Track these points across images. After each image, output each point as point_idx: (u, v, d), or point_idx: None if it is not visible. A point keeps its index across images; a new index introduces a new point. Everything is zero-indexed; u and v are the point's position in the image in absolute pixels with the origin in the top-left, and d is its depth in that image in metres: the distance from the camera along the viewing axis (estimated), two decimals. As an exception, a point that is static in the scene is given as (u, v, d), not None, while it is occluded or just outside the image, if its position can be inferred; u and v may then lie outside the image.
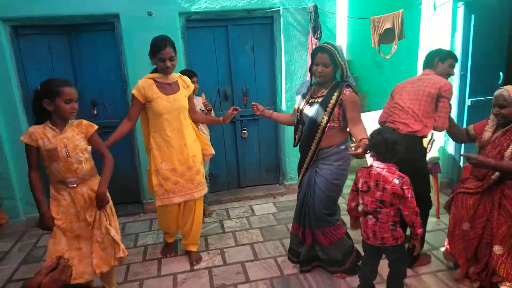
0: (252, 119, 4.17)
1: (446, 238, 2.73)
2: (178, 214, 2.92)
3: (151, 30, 3.53)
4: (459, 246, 2.60)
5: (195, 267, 2.95)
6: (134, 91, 2.64)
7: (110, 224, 2.39)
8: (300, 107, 2.67)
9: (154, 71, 2.73)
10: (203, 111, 3.48)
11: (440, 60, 2.77)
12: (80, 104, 3.66)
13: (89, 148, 2.34)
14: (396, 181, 2.06)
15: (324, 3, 3.83)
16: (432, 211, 3.49)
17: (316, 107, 2.53)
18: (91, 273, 2.35)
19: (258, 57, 4.04)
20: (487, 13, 3.64)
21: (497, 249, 2.38)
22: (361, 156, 2.23)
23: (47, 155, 2.20)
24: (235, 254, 3.10)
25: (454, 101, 3.84)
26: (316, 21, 3.77)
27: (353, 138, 2.54)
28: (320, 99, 2.53)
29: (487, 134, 2.49)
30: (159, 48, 2.55)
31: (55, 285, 1.19)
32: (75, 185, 2.28)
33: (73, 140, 2.25)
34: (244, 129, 4.18)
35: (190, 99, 2.83)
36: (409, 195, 2.05)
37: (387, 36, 3.90)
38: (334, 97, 2.46)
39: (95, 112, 3.85)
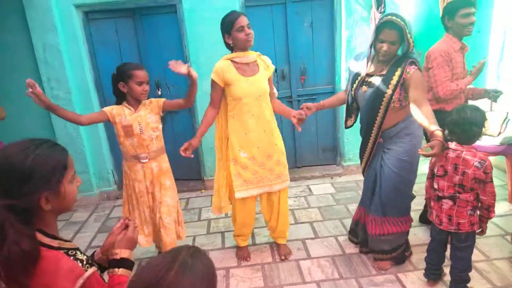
0: (309, 98, 4.11)
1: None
2: (262, 208, 2.75)
3: (211, 11, 3.61)
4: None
5: (257, 242, 3.04)
6: (213, 75, 2.44)
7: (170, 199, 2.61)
8: (354, 87, 2.41)
9: (232, 51, 2.49)
10: None
11: (449, 17, 2.56)
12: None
13: (160, 126, 2.54)
14: (478, 164, 1.94)
15: (388, -26, 3.64)
16: (504, 194, 3.30)
17: (374, 87, 2.28)
18: (149, 242, 2.67)
19: (317, 34, 3.95)
20: None
21: None
22: (437, 154, 1.95)
23: (124, 131, 2.42)
24: (295, 231, 3.13)
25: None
26: (379, -6, 3.59)
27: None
28: (378, 78, 2.28)
29: None
30: (233, 18, 2.35)
31: (130, 244, 1.24)
32: (146, 160, 2.48)
33: (146, 118, 2.45)
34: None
35: (269, 81, 2.57)
36: (490, 179, 1.94)
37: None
38: (395, 77, 2.20)
39: (159, 92, 4.01)
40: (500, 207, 3.12)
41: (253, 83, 2.44)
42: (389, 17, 2.13)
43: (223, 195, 2.68)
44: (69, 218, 3.72)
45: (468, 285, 2.20)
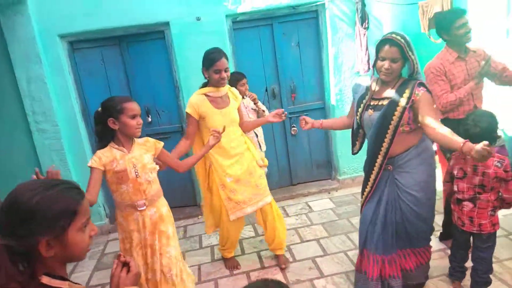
0: (301, 115, 4.13)
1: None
2: (258, 222, 2.94)
3: (200, 35, 3.62)
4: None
5: (266, 265, 2.96)
6: (188, 110, 2.60)
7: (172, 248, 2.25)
8: (359, 111, 2.28)
9: (204, 85, 2.68)
10: (255, 110, 3.47)
11: (444, 31, 2.60)
12: None
13: (157, 167, 2.21)
14: (498, 164, 2.01)
15: (369, -8, 3.78)
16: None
17: (381, 111, 2.14)
18: None
19: (304, 52, 4.02)
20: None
21: None
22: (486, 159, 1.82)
23: (116, 178, 2.07)
24: (303, 250, 3.08)
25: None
26: (363, 11, 3.72)
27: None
28: (385, 101, 2.15)
29: None
30: (214, 59, 2.50)
31: (136, 280, 1.14)
32: (144, 207, 2.13)
33: (141, 159, 2.11)
34: (294, 126, 4.17)
35: (239, 110, 2.78)
36: (511, 177, 2.00)
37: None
38: (404, 99, 2.08)
39: (149, 119, 3.94)
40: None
41: (226, 115, 2.63)
42: (388, 35, 2.11)
43: (216, 214, 2.85)
44: (61, 257, 3.51)
45: (488, 288, 2.22)
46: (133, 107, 2.07)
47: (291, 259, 2.98)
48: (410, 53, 2.06)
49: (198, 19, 3.61)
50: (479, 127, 2.02)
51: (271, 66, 4.00)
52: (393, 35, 2.08)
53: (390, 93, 2.15)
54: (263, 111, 3.44)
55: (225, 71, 2.56)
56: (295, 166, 4.32)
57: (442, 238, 2.94)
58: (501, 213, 3.07)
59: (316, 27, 3.95)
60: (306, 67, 4.07)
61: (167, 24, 3.61)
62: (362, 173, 4.14)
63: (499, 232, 2.84)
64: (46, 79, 3.44)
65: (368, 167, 2.31)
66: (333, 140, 4.19)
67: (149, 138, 2.25)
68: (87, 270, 3.25)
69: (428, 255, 2.37)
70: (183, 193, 4.12)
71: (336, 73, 3.95)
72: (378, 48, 2.13)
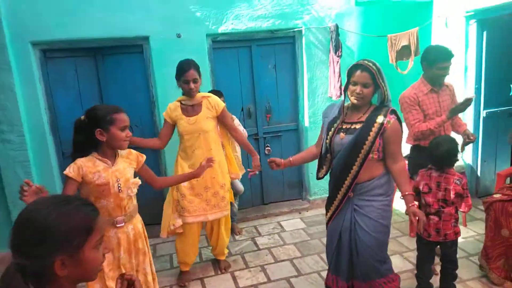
0: (275, 135, 4.23)
1: (484, 243, 2.81)
2: (198, 238, 3.01)
3: (180, 52, 3.61)
4: (498, 250, 2.69)
5: (241, 285, 2.94)
6: (164, 113, 2.87)
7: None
8: (330, 134, 2.25)
9: (183, 94, 2.87)
10: None
11: (427, 65, 2.77)
12: None
13: (139, 182, 2.13)
14: (457, 181, 2.31)
15: (343, 23, 3.99)
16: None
17: (353, 135, 2.15)
18: None
19: (280, 75, 4.14)
20: (498, 29, 3.87)
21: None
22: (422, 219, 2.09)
23: (97, 191, 1.95)
24: (277, 271, 3.10)
25: (470, 113, 4.02)
26: (337, 40, 3.91)
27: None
28: (357, 125, 2.16)
29: None
30: (183, 70, 2.68)
31: None
32: (123, 224, 2.03)
33: (125, 173, 2.03)
34: (268, 146, 4.24)
35: (223, 117, 2.90)
36: (467, 194, 2.35)
37: (403, 53, 4.09)
38: (377, 124, 2.10)
39: (121, 133, 3.83)
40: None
41: (193, 122, 2.77)
42: (360, 61, 2.15)
43: (171, 218, 2.90)
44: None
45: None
46: (124, 118, 1.98)
47: (265, 280, 2.99)
48: (380, 80, 2.10)
49: (179, 36, 3.62)
50: (440, 150, 2.29)
51: (248, 86, 4.07)
52: (365, 61, 2.13)
53: (362, 118, 2.17)
54: (237, 128, 3.47)
55: (194, 82, 2.70)
56: (267, 186, 4.37)
57: None
58: (461, 236, 3.29)
59: (292, 52, 4.10)
60: (282, 89, 4.18)
61: (146, 38, 3.59)
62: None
63: (460, 254, 3.07)
64: (15, 88, 3.27)
65: (333, 191, 2.28)
66: (305, 161, 4.29)
67: (132, 151, 2.16)
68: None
69: (394, 284, 2.29)
70: (152, 210, 3.99)
71: (310, 96, 4.09)
72: (350, 73, 2.15)
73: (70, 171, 1.92)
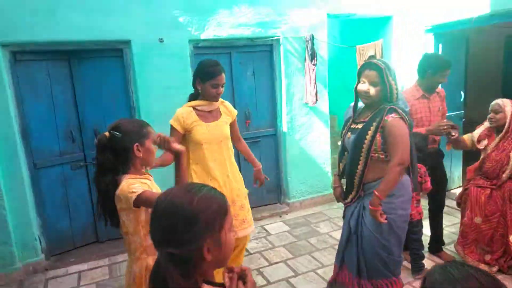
0: (253, 141, 4.28)
1: (460, 231, 3.11)
2: None
3: (162, 57, 3.57)
4: (472, 236, 3.00)
5: None
6: (172, 121, 2.45)
7: None
8: (343, 133, 2.38)
9: (192, 98, 2.57)
10: None
11: (430, 71, 2.90)
12: (82, 134, 3.51)
13: None
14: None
15: (317, 33, 4.21)
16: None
17: (356, 134, 2.22)
18: None
19: (259, 82, 4.23)
20: (450, 42, 4.36)
21: (512, 238, 2.82)
22: (374, 215, 2.13)
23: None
24: (274, 273, 3.13)
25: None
26: (313, 49, 4.12)
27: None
28: (361, 125, 2.23)
29: (478, 131, 3.03)
30: (214, 74, 2.41)
31: None
32: None
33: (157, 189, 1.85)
34: (247, 152, 4.27)
35: (233, 125, 2.68)
36: (426, 180, 2.79)
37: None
38: (375, 123, 2.14)
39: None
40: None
41: (214, 129, 2.48)
42: (371, 60, 2.21)
43: None
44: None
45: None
46: (154, 131, 1.81)
47: (265, 282, 3.00)
48: (390, 78, 2.12)
49: (161, 40, 3.56)
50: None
51: (228, 92, 4.09)
52: (374, 60, 2.20)
53: (367, 117, 2.22)
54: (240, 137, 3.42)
55: (222, 87, 2.47)
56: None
57: (431, 251, 3.26)
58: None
59: (270, 60, 4.22)
60: (260, 95, 4.27)
61: (127, 42, 3.47)
62: (310, 197, 4.46)
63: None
64: (-17, 92, 2.96)
65: (347, 189, 2.37)
66: (283, 164, 4.40)
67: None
68: (29, 316, 2.76)
69: None
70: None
71: (288, 102, 4.23)
72: (360, 72, 2.22)
73: (142, 187, 1.61)
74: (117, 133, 1.67)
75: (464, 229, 3.05)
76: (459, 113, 4.63)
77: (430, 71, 2.91)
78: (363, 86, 2.18)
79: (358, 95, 2.27)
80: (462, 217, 3.10)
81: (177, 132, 2.43)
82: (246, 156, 2.87)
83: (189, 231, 0.91)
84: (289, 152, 4.30)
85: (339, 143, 2.52)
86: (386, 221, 2.12)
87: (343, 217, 2.47)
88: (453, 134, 2.78)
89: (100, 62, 3.54)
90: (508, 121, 2.79)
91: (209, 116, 2.51)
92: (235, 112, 2.69)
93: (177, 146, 1.84)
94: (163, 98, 3.59)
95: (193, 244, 0.91)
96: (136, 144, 1.69)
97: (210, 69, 2.44)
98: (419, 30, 4.38)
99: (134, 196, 1.57)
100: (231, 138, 2.66)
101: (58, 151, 3.50)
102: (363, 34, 4.66)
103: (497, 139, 2.88)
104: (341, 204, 3.04)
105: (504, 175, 2.83)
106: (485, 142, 2.98)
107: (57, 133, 3.47)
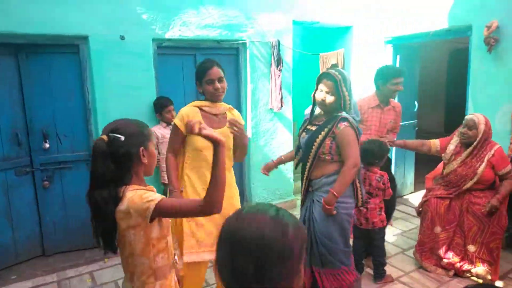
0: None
1: (419, 239, 3.23)
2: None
3: (123, 55, 3.36)
4: (429, 245, 3.12)
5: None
6: (176, 121, 2.25)
7: None
8: (299, 132, 2.57)
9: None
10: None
11: (381, 81, 3.05)
12: (29, 137, 3.17)
13: None
14: (378, 178, 2.84)
15: (282, 39, 4.19)
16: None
17: (309, 134, 2.43)
18: None
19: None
20: (407, 54, 4.56)
21: (470, 247, 2.94)
22: (327, 211, 2.34)
23: (166, 227, 1.50)
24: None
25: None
26: (279, 55, 4.09)
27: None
28: (314, 127, 2.43)
29: (451, 147, 3.03)
30: (206, 68, 2.24)
31: None
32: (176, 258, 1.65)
33: None
34: (210, 157, 4.14)
35: (234, 136, 2.35)
36: (388, 187, 2.85)
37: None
38: (326, 129, 2.34)
39: (47, 145, 3.29)
40: (390, 231, 3.82)
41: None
42: (330, 70, 2.36)
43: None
44: None
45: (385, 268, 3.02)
46: (152, 132, 1.60)
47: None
48: (344, 89, 2.28)
49: (122, 38, 3.32)
50: (363, 148, 2.71)
51: (192, 96, 3.92)
52: (332, 71, 2.32)
53: (321, 121, 2.42)
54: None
55: (219, 81, 2.25)
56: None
57: None
58: (392, 234, 3.73)
59: (236, 64, 4.12)
60: (225, 99, 4.09)
61: (84, 38, 3.20)
62: (272, 201, 4.41)
63: (396, 250, 3.48)
64: None
65: (301, 184, 2.58)
66: (247, 171, 4.32)
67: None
68: None
69: (347, 278, 2.46)
70: (81, 234, 3.49)
71: (253, 108, 4.16)
72: (318, 80, 2.37)
73: (156, 196, 1.40)
74: (119, 136, 1.40)
75: (422, 238, 3.16)
76: (412, 122, 4.86)
77: (380, 81, 3.07)
78: (320, 95, 2.35)
79: (315, 101, 2.43)
80: (422, 226, 3.21)
81: (180, 131, 2.23)
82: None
83: (285, 266, 0.84)
84: (253, 158, 4.23)
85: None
86: (334, 212, 2.36)
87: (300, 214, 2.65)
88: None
89: (53, 59, 3.22)
90: (478, 139, 2.83)
91: (214, 120, 2.30)
92: (243, 122, 2.38)
93: (215, 134, 1.43)
94: (122, 99, 3.37)
95: (288, 279, 0.85)
96: (142, 148, 1.45)
97: (201, 67, 2.29)
98: (379, 41, 4.54)
99: (153, 204, 1.34)
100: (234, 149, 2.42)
101: (1, 156, 3.13)
102: (324, 43, 4.74)
103: (464, 155, 2.91)
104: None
105: (464, 187, 2.94)
106: (452, 147, 3.02)
107: (0, 136, 3.10)
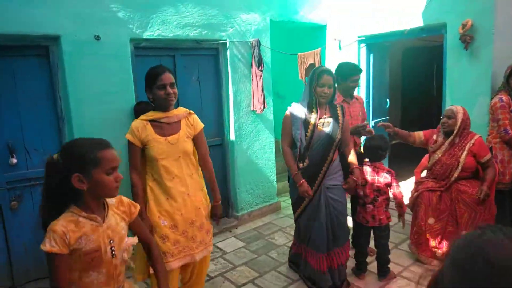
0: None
1: (411, 232, 3.30)
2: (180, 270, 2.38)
3: (98, 56, 3.07)
4: (423, 236, 3.20)
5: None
6: (128, 136, 2.19)
7: None
8: (310, 129, 2.60)
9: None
10: None
11: (341, 79, 3.13)
12: None
13: (136, 240, 1.62)
14: (386, 174, 2.84)
15: (261, 39, 4.09)
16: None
17: (330, 126, 2.62)
18: None
19: (204, 88, 3.92)
20: (380, 52, 4.68)
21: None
22: (351, 188, 2.71)
23: (85, 262, 1.41)
24: (245, 295, 2.88)
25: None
26: (259, 55, 3.98)
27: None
28: (330, 119, 2.64)
29: (440, 139, 3.15)
30: (157, 73, 2.16)
31: None
32: None
33: (118, 230, 1.52)
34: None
35: (197, 140, 2.36)
36: (396, 184, 2.86)
37: (310, 71, 4.46)
38: (340, 116, 2.68)
39: (14, 160, 2.89)
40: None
41: (174, 143, 2.22)
42: (323, 67, 2.70)
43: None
44: None
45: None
46: (112, 156, 1.44)
47: (239, 308, 2.73)
48: (335, 83, 2.67)
49: (97, 38, 3.01)
50: (371, 144, 2.87)
51: (172, 99, 3.69)
52: (327, 68, 2.69)
53: (327, 113, 2.68)
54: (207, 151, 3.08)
55: (171, 86, 2.17)
56: (192, 207, 4.02)
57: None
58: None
59: (216, 65, 3.95)
60: (206, 102, 3.96)
61: (55, 39, 2.86)
62: (257, 208, 4.31)
63: (390, 245, 3.52)
64: None
65: (310, 178, 2.63)
66: (231, 176, 4.15)
67: (123, 198, 1.62)
68: None
69: (348, 248, 2.83)
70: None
71: (235, 110, 4.00)
72: (319, 77, 2.58)
73: (52, 245, 1.33)
74: (56, 157, 1.41)
75: (417, 229, 3.23)
76: (385, 118, 5.00)
77: (340, 77, 3.14)
78: (324, 88, 2.58)
79: (316, 95, 2.60)
80: (415, 219, 3.27)
81: (135, 146, 2.18)
82: (209, 184, 2.49)
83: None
84: (237, 162, 4.08)
85: (303, 140, 2.63)
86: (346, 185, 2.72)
87: (304, 208, 2.72)
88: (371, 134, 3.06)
89: (18, 63, 2.83)
90: (457, 127, 3.00)
91: (167, 128, 2.23)
92: (201, 125, 2.39)
93: None
94: (99, 105, 3.07)
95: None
96: (76, 174, 1.36)
97: (152, 72, 2.20)
98: (353, 40, 4.61)
99: (43, 248, 1.35)
100: (197, 155, 2.40)
101: (-41, 175, 2.69)
102: (300, 42, 4.71)
103: (446, 143, 3.08)
104: (288, 212, 3.61)
105: (452, 178, 3.06)
106: (440, 139, 3.14)
107: (-43, 152, 2.66)
